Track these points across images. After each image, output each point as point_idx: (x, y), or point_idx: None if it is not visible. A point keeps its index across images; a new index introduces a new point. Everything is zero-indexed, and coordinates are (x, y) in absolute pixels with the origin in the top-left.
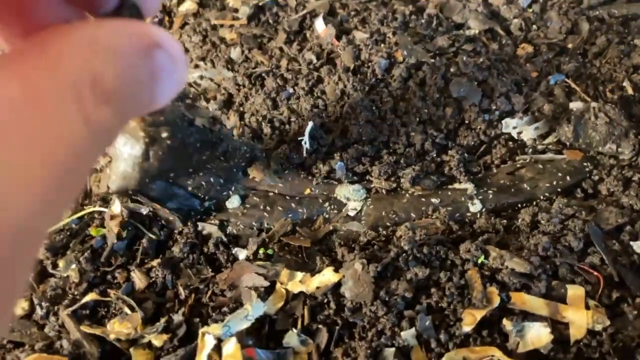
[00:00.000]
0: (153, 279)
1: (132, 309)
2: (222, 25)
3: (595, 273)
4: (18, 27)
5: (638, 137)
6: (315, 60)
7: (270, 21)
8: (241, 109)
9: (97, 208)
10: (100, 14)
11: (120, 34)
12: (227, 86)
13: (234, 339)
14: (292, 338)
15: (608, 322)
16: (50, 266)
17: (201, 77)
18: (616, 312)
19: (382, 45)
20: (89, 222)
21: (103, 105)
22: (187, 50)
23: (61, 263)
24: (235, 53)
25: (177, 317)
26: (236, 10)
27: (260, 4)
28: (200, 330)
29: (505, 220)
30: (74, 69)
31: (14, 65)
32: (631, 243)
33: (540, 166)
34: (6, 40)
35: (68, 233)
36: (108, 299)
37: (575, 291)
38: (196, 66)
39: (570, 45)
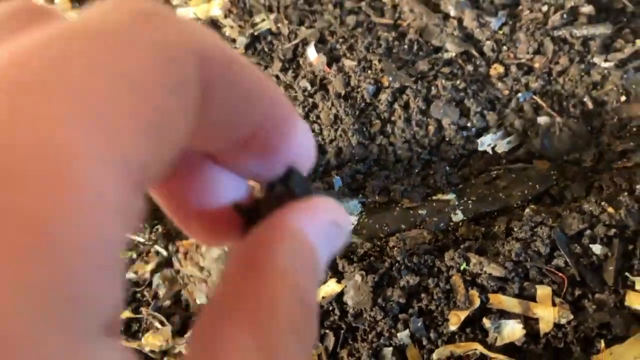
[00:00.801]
0: (178, 297)
1: (162, 324)
2: None
3: (560, 274)
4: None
5: (597, 147)
6: (309, 87)
7: (266, 49)
8: None
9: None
10: (264, 184)
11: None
12: None
13: None
14: None
15: (571, 316)
16: None
17: None
18: (578, 307)
19: (369, 71)
20: None
21: None
22: None
23: None
24: None
25: None
26: (234, 40)
27: (255, 33)
28: None
29: (483, 228)
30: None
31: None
32: (591, 246)
33: (513, 175)
34: (173, 217)
35: None
36: (140, 315)
37: (543, 291)
38: None
39: (537, 65)
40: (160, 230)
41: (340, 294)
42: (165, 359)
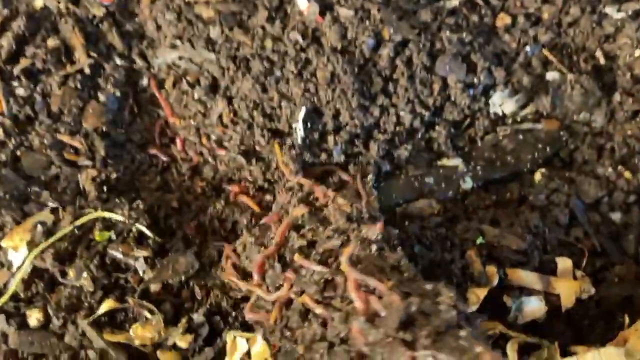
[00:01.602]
0: (168, 281)
1: (152, 312)
2: (196, 2)
3: (580, 245)
4: None
5: (609, 105)
6: (301, 40)
7: None
8: (228, 93)
9: (99, 213)
10: None
11: None
12: (210, 69)
13: (260, 337)
14: None
15: (593, 290)
16: (59, 275)
17: (180, 58)
18: (599, 280)
19: (367, 22)
20: (91, 227)
21: None
22: (159, 28)
23: (71, 272)
24: (214, 32)
25: (198, 317)
26: None
27: None
28: (230, 333)
29: (494, 196)
30: None
31: None
32: (610, 214)
33: (521, 137)
34: None
35: (72, 239)
36: (126, 305)
37: (563, 264)
38: (173, 46)
39: (545, 15)
40: (140, 206)
41: None
42: (159, 352)
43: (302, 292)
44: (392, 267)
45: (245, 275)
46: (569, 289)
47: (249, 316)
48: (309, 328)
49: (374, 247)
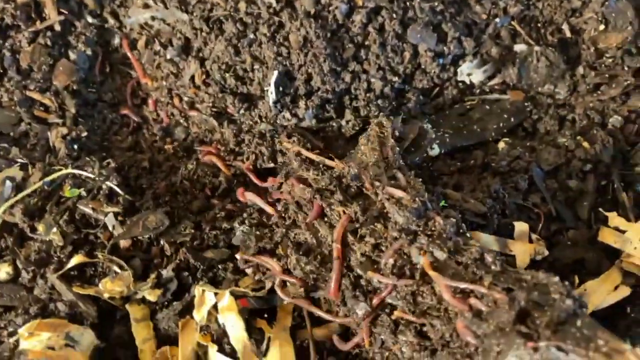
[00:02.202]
0: (137, 238)
1: (121, 267)
2: None
3: (537, 210)
4: None
5: (573, 78)
6: (274, 4)
7: None
8: (201, 55)
9: (69, 170)
10: None
11: None
12: (182, 30)
13: (227, 293)
14: None
15: (547, 252)
16: (29, 230)
17: (152, 18)
18: (553, 243)
19: None
20: (61, 183)
21: None
22: None
23: (41, 227)
24: None
25: (167, 273)
26: None
27: None
28: (198, 287)
29: (459, 162)
30: None
31: None
32: (567, 181)
33: (487, 107)
34: None
35: (41, 195)
36: (96, 260)
37: (520, 227)
38: (146, 5)
39: None
40: (111, 165)
41: None
42: (127, 305)
43: (392, 308)
44: (475, 259)
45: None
46: (524, 251)
47: (346, 347)
48: (405, 341)
49: (449, 243)
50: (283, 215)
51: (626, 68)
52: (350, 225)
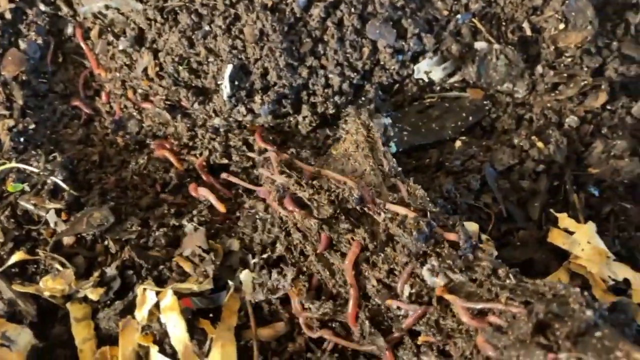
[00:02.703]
0: (81, 235)
1: (64, 265)
2: None
3: (488, 210)
4: None
5: (531, 77)
6: None
7: None
8: (155, 46)
9: (13, 164)
10: None
11: None
12: (136, 20)
13: (170, 292)
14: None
15: (496, 253)
16: None
17: (106, 7)
18: (503, 244)
19: None
20: (5, 177)
21: None
22: None
23: None
24: None
25: (110, 271)
26: None
27: None
28: (141, 287)
29: (414, 161)
30: None
31: None
32: (520, 182)
33: (447, 105)
34: None
35: None
36: (37, 257)
37: (470, 227)
38: None
39: None
40: (58, 159)
41: None
42: (68, 304)
43: (416, 333)
44: (488, 275)
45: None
46: None
47: None
48: None
49: (459, 263)
50: (290, 247)
51: (585, 68)
52: (362, 255)
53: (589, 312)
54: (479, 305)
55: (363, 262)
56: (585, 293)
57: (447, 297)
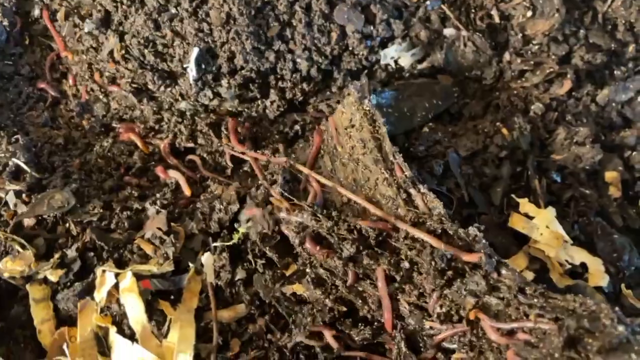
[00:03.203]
0: (42, 217)
1: (24, 247)
2: None
3: (450, 195)
4: None
5: (499, 64)
6: None
7: None
8: (121, 28)
9: None
10: None
11: None
12: (103, 2)
13: (129, 274)
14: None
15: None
16: None
17: None
18: (465, 228)
19: None
20: None
21: None
22: None
23: None
24: None
25: (71, 253)
26: None
27: None
28: (100, 268)
29: None
30: None
31: None
32: (483, 168)
33: (416, 90)
34: None
35: None
36: None
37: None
38: None
39: None
40: (20, 141)
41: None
42: (28, 286)
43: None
44: (515, 295)
45: None
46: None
47: None
48: None
49: (482, 286)
50: (321, 284)
51: (552, 55)
52: (391, 286)
53: (620, 328)
54: (509, 326)
55: (393, 291)
56: (617, 309)
57: (479, 316)
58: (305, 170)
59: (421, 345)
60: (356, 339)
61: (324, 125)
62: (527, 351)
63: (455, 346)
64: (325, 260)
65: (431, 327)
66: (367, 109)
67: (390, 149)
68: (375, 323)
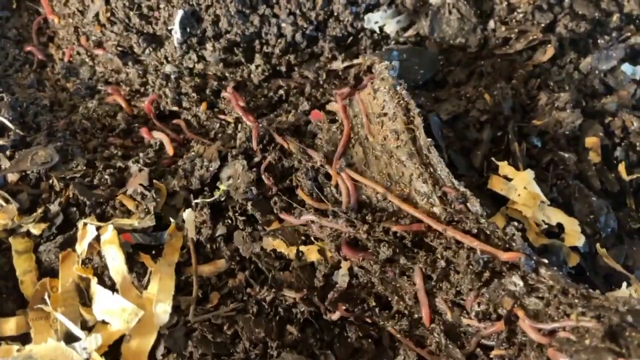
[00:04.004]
0: (26, 173)
1: (7, 201)
2: None
3: None
4: None
5: (484, 32)
6: None
7: None
8: None
9: None
10: None
11: None
12: None
13: (110, 227)
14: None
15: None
16: None
17: None
18: None
19: None
20: None
21: None
22: None
23: None
24: None
25: (54, 207)
26: None
27: None
28: (82, 221)
29: None
30: None
31: None
32: (464, 131)
33: (404, 58)
34: None
35: None
36: None
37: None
38: None
39: None
40: (5, 99)
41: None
42: (11, 238)
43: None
44: (555, 295)
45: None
46: None
47: None
48: None
49: (520, 287)
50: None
51: (536, 24)
52: (428, 284)
53: None
54: (550, 326)
55: (430, 288)
56: None
57: (518, 314)
58: (336, 168)
59: (460, 339)
60: (395, 329)
61: (351, 108)
62: (568, 345)
63: (493, 343)
64: (360, 263)
65: (469, 325)
66: (403, 97)
67: (425, 142)
68: (411, 316)
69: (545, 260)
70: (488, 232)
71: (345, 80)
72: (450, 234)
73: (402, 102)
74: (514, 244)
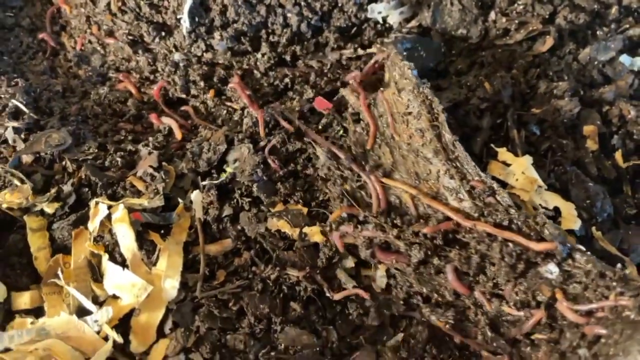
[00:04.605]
0: (40, 154)
1: (22, 181)
2: None
3: None
4: None
5: (485, 23)
6: None
7: None
8: None
9: None
10: None
11: None
12: None
13: (121, 205)
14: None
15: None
16: None
17: None
18: None
19: None
20: None
21: None
22: None
23: None
24: None
25: (67, 188)
26: None
27: None
28: (94, 200)
29: None
30: None
31: None
32: (464, 118)
33: (407, 48)
34: None
35: None
36: None
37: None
38: None
39: None
40: (20, 84)
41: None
42: (25, 216)
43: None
44: (592, 280)
45: None
46: None
47: None
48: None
49: (556, 274)
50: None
51: (536, 15)
52: (465, 280)
53: None
54: (588, 307)
55: (467, 283)
56: None
57: (557, 297)
58: (369, 176)
59: (504, 328)
60: (441, 320)
61: (375, 108)
62: (604, 322)
63: (536, 328)
64: (395, 265)
65: (509, 314)
66: (427, 95)
67: (450, 138)
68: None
69: (581, 246)
70: (519, 223)
71: (349, 70)
72: (480, 229)
73: (426, 100)
74: (546, 232)
